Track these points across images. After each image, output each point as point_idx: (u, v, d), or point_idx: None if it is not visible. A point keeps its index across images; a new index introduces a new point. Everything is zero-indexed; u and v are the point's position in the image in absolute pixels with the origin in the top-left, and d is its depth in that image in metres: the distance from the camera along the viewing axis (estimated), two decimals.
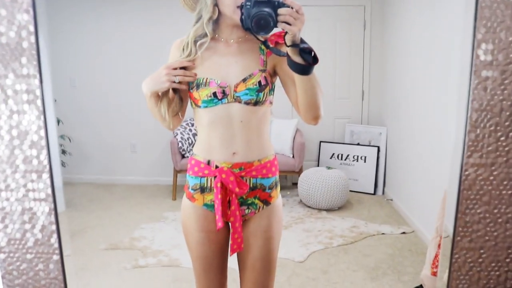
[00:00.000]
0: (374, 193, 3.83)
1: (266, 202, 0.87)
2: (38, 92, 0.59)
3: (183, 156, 3.72)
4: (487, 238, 0.63)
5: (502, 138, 0.60)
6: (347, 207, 3.58)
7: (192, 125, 3.80)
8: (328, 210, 3.49)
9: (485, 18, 0.58)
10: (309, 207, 3.55)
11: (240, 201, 0.85)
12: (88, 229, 3.11)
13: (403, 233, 3.02)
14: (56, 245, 0.63)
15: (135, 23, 4.07)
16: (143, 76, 3.98)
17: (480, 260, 0.63)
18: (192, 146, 3.38)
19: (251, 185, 0.85)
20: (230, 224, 0.89)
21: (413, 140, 3.27)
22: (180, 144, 3.70)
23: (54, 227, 0.62)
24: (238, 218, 0.84)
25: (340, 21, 3.89)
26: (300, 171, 3.69)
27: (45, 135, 0.59)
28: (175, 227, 3.16)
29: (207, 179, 0.85)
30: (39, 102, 0.59)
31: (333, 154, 3.90)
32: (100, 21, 4.05)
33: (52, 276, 0.67)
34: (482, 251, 0.63)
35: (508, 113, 0.59)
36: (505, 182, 0.61)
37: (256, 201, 0.86)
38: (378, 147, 3.77)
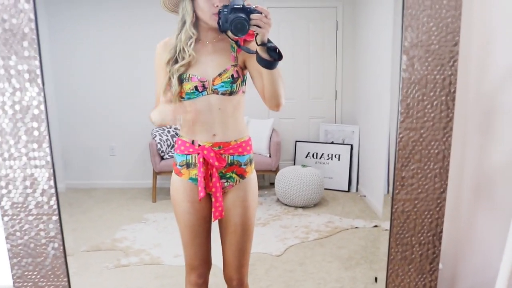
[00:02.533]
0: (348, 190, 3.97)
1: (242, 176, 1.01)
2: (38, 72, 0.68)
3: (162, 158, 3.77)
4: (419, 190, 0.75)
5: (428, 106, 0.73)
6: (322, 204, 3.70)
7: (170, 126, 3.86)
8: (304, 207, 3.60)
9: (410, 7, 0.71)
10: (286, 205, 3.65)
11: (220, 175, 0.97)
12: (67, 232, 3.12)
13: (375, 226, 3.17)
14: (55, 206, 0.72)
15: (115, 24, 4.06)
16: (121, 78, 3.91)
17: (415, 209, 0.76)
18: (171, 148, 3.48)
19: (229, 161, 0.98)
20: (212, 195, 0.99)
21: (383, 137, 3.43)
22: (159, 146, 3.74)
23: (53, 190, 0.72)
24: (218, 188, 0.98)
25: (313, 22, 4.00)
26: (276, 171, 3.79)
27: (44, 109, 0.69)
28: (156, 228, 3.20)
29: (192, 156, 0.98)
30: (39, 80, 0.69)
31: (308, 153, 4.03)
32: (77, 22, 4.04)
33: (52, 235, 0.76)
34: (416, 201, 0.75)
35: (431, 85, 0.72)
36: (432, 143, 0.74)
37: (233, 175, 1.00)
38: (351, 145, 3.93)
